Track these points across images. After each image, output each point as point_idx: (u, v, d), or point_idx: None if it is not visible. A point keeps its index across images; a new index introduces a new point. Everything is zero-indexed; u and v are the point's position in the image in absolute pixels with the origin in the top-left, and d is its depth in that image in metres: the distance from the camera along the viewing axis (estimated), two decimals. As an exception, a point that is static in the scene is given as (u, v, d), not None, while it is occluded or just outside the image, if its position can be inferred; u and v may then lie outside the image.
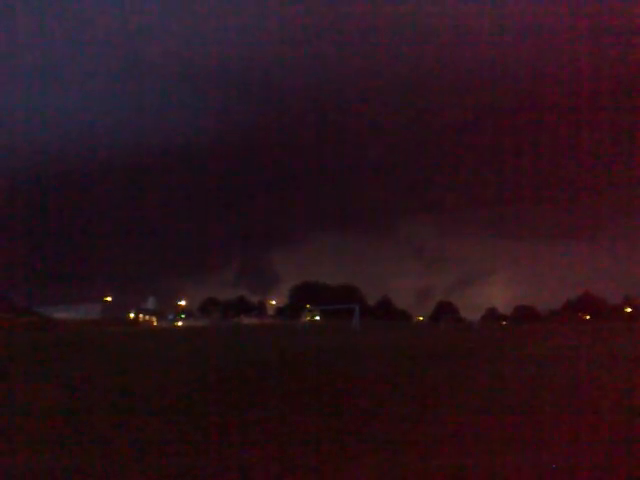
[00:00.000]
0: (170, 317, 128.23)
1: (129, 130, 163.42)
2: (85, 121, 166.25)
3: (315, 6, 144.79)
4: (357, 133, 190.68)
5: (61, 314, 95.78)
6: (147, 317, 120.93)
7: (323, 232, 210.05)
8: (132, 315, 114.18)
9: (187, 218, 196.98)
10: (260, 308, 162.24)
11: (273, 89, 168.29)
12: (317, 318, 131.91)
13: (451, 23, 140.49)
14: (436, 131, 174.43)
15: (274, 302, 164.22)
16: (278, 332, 53.69)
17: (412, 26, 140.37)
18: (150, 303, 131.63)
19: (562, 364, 18.11)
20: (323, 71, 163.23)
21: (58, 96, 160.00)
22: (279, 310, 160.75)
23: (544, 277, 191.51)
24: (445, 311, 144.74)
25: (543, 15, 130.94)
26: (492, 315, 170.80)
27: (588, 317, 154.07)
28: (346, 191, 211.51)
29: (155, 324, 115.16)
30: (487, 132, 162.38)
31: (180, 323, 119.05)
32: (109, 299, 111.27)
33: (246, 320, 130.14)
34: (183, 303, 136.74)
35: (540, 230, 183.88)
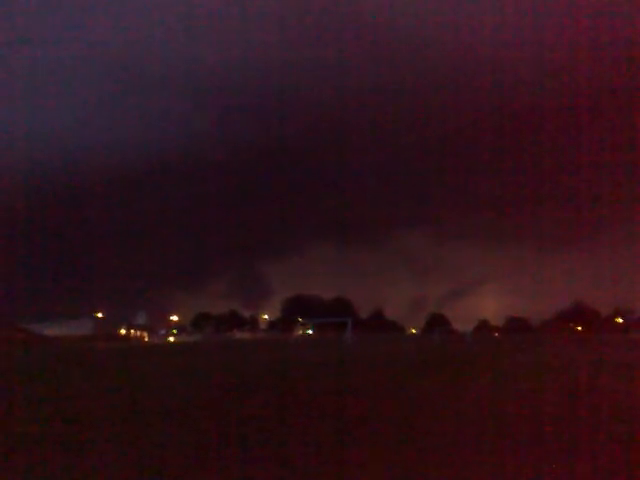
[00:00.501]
0: (162, 332, 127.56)
1: (121, 143, 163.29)
2: (77, 135, 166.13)
3: (315, 14, 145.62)
4: (350, 144, 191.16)
5: (51, 330, 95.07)
6: (138, 333, 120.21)
7: (315, 243, 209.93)
8: (123, 331, 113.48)
9: (178, 231, 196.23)
10: (252, 322, 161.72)
11: (270, 100, 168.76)
12: (310, 332, 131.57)
13: (453, 32, 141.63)
14: (429, 142, 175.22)
15: (266, 316, 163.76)
16: (271, 347, 53.52)
17: (411, 37, 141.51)
18: (141, 318, 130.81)
19: (552, 374, 18.14)
20: (320, 82, 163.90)
21: (54, 110, 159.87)
22: (271, 324, 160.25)
23: (535, 288, 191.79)
24: (437, 323, 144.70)
25: (542, 25, 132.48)
26: (484, 326, 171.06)
27: (579, 328, 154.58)
28: (338, 202, 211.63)
29: (146, 340, 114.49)
30: (479, 144, 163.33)
31: (172, 339, 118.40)
32: (100, 315, 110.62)
33: (239, 335, 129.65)
34: (175, 318, 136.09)
35: (531, 241, 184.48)
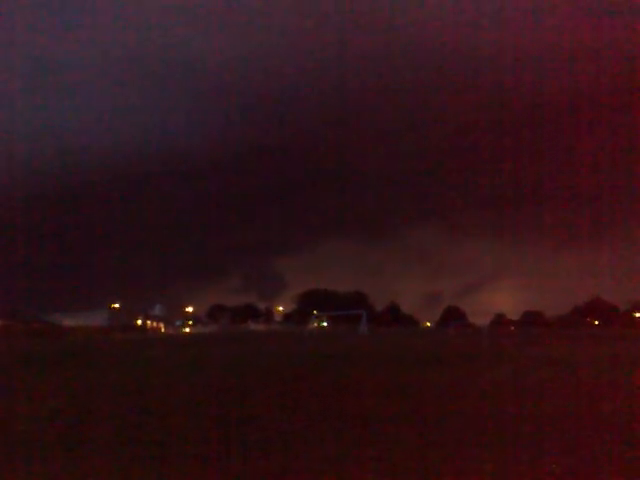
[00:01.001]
0: (177, 323, 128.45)
1: (137, 140, 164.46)
2: (93, 132, 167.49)
3: (316, 16, 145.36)
4: (364, 139, 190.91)
5: (69, 321, 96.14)
6: (154, 323, 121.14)
7: (330, 238, 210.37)
8: (139, 322, 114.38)
9: (195, 225, 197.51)
10: (267, 314, 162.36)
11: (277, 98, 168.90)
12: (324, 324, 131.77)
13: (454, 35, 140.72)
14: (443, 136, 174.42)
15: (281, 308, 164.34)
16: (285, 338, 53.69)
17: (415, 38, 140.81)
18: (157, 310, 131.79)
19: (567, 370, 18.01)
20: (326, 79, 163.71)
21: (60, 110, 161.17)
22: (286, 316, 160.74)
23: (552, 282, 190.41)
24: (453, 317, 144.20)
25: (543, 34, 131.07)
26: (500, 320, 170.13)
27: (597, 322, 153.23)
28: (353, 197, 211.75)
29: (162, 330, 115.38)
30: (495, 137, 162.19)
31: (187, 329, 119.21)
32: (117, 306, 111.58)
33: (254, 326, 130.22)
34: (190, 309, 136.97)
35: (548, 235, 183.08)
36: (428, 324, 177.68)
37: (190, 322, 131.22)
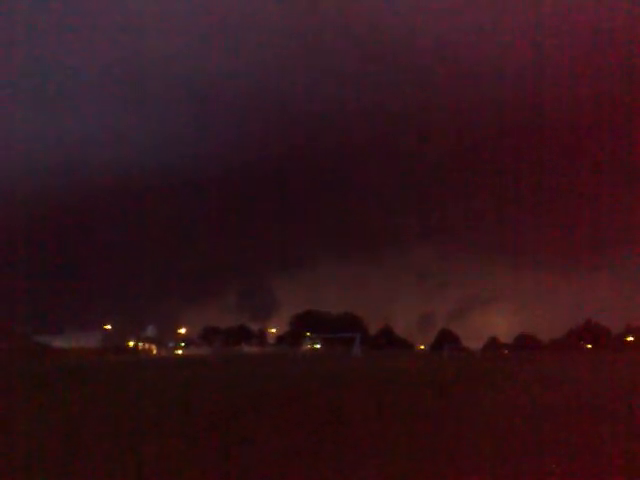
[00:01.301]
0: (170, 345, 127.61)
1: (129, 157, 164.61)
2: (84, 147, 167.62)
3: (322, 27, 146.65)
4: (357, 160, 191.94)
5: (60, 342, 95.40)
6: (147, 345, 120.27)
7: (324, 258, 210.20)
8: (131, 343, 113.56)
9: (187, 244, 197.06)
10: (261, 336, 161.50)
11: (276, 117, 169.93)
12: (317, 346, 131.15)
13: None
14: (437, 157, 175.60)
15: (274, 330, 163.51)
16: (278, 361, 53.41)
17: (416, 53, 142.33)
18: (150, 331, 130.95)
19: (559, 391, 18.00)
20: (325, 98, 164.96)
21: (60, 124, 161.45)
22: (279, 338, 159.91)
23: (546, 306, 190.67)
24: (447, 340, 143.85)
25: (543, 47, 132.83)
26: (494, 344, 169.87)
27: (589, 346, 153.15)
28: (347, 217, 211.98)
29: (155, 352, 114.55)
30: (492, 158, 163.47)
31: (180, 351, 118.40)
32: (108, 327, 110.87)
33: (247, 348, 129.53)
34: (183, 331, 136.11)
35: (541, 257, 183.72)
36: (422, 347, 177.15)
37: (182, 344, 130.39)
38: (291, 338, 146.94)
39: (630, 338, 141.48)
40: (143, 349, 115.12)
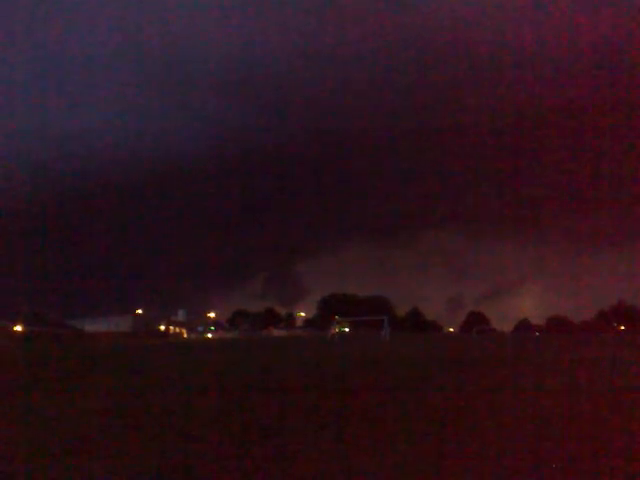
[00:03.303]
0: (200, 329, 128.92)
1: (158, 145, 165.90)
2: (115, 137, 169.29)
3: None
4: (383, 142, 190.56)
5: (92, 327, 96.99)
6: (177, 329, 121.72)
7: (351, 243, 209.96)
8: (162, 327, 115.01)
9: (214, 231, 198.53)
10: (289, 320, 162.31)
11: (294, 99, 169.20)
12: (346, 329, 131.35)
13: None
14: (466, 137, 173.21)
15: (303, 314, 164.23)
16: (307, 344, 53.54)
17: (429, 39, 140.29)
18: (180, 315, 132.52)
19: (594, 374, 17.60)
20: (343, 80, 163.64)
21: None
22: (308, 322, 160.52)
23: (577, 286, 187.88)
24: (476, 322, 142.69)
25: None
26: (525, 326, 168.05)
27: (622, 327, 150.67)
28: (374, 200, 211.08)
29: (185, 336, 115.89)
30: (516, 139, 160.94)
31: (210, 335, 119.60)
32: (140, 312, 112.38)
33: (275, 332, 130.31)
34: (212, 315, 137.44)
35: (571, 238, 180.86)
36: (451, 329, 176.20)
37: (212, 328, 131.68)
38: (319, 321, 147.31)
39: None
40: (174, 333, 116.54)
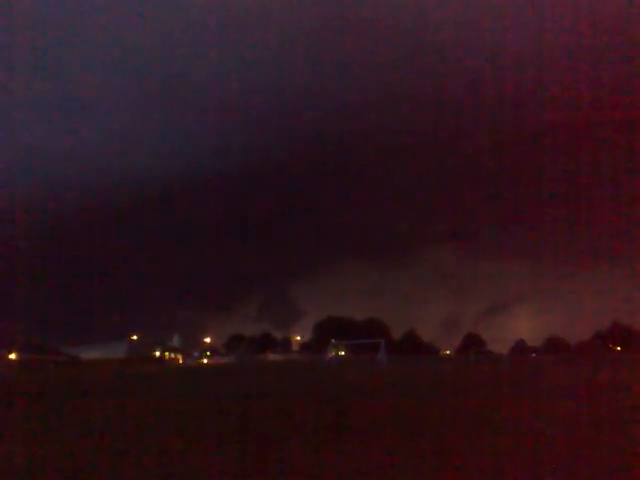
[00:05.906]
0: (195, 355, 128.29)
1: (145, 165, 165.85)
2: (98, 159, 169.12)
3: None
4: (378, 160, 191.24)
5: (88, 354, 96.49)
6: (173, 355, 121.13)
7: (346, 262, 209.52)
8: (157, 353, 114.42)
9: (208, 252, 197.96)
10: (285, 344, 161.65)
11: (289, 116, 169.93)
12: (342, 353, 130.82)
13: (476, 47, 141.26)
14: (460, 156, 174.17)
15: (299, 338, 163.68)
16: (304, 368, 53.43)
17: (436, 52, 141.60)
18: (175, 341, 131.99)
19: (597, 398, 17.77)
20: (340, 96, 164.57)
21: (74, 129, 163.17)
22: (304, 345, 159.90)
23: (573, 307, 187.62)
24: (473, 344, 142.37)
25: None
26: (521, 347, 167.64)
27: (618, 348, 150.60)
28: (369, 219, 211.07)
29: (181, 362, 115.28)
30: (512, 157, 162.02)
31: (206, 360, 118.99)
32: (134, 337, 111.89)
33: (271, 356, 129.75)
34: (208, 340, 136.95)
35: (569, 258, 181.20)
36: (447, 352, 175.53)
37: (208, 353, 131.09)
38: (316, 345, 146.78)
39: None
40: (169, 358, 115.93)
